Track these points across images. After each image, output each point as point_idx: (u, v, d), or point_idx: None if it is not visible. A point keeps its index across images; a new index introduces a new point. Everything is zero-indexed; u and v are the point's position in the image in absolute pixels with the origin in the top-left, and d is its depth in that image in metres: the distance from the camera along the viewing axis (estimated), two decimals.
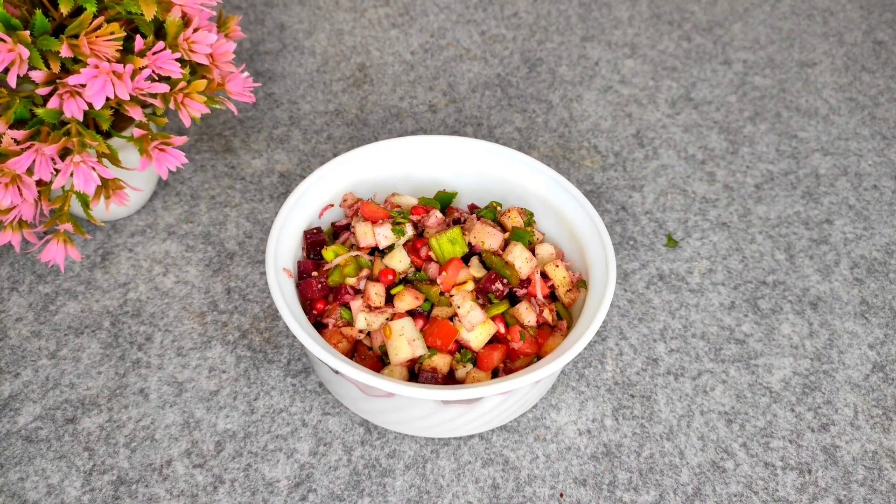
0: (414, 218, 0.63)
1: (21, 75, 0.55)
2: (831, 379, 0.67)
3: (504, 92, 0.90)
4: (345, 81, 0.90)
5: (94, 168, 0.58)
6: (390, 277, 0.58)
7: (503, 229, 0.63)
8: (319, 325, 0.60)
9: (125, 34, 0.57)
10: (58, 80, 0.56)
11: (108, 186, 0.61)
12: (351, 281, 0.59)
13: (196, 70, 0.64)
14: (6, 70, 0.54)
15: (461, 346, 0.58)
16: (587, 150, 0.84)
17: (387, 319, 0.58)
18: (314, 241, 0.63)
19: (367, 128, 0.85)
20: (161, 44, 0.57)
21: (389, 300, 0.59)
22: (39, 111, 0.56)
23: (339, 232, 0.65)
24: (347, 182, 0.67)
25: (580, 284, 0.62)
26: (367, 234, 0.60)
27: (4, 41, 0.53)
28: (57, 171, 0.57)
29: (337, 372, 0.56)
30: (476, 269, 0.60)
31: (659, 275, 0.73)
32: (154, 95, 0.60)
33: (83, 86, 0.55)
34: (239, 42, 0.93)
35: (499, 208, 0.67)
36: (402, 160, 0.68)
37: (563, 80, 0.92)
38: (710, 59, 0.96)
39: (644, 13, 1.02)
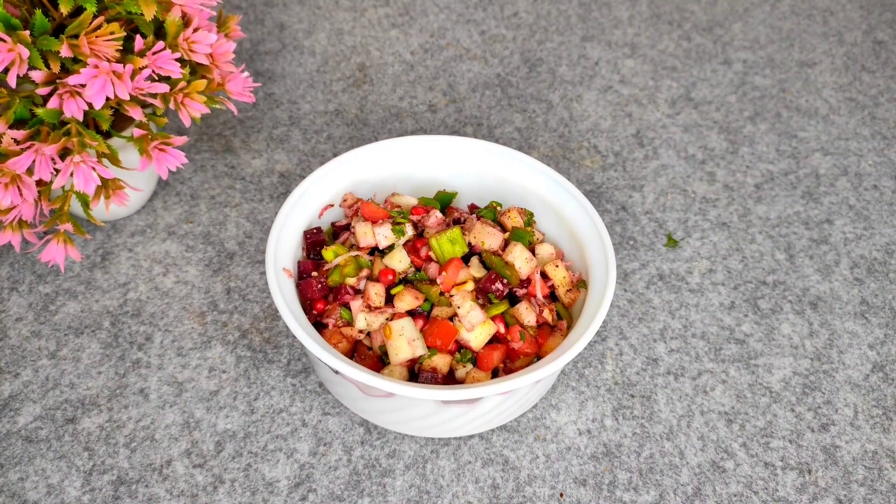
0: (414, 218, 0.63)
1: (21, 75, 0.55)
2: (831, 379, 0.67)
3: (504, 92, 0.90)
4: (345, 81, 0.90)
5: (94, 168, 0.58)
6: (390, 277, 0.58)
7: (503, 229, 0.63)
8: (319, 325, 0.60)
9: (125, 34, 0.57)
10: (58, 80, 0.56)
11: (108, 186, 0.61)
12: (351, 281, 0.59)
13: (196, 70, 0.64)
14: (6, 70, 0.54)
15: (461, 346, 0.58)
16: (587, 150, 0.84)
17: (387, 319, 0.58)
18: (314, 241, 0.63)
19: (367, 128, 0.85)
20: (161, 44, 0.57)
21: (389, 300, 0.59)
22: (39, 111, 0.56)
23: (339, 232, 0.65)
24: (347, 182, 0.67)
25: (580, 284, 0.62)
26: (367, 234, 0.60)
27: (4, 41, 0.53)
28: (57, 171, 0.57)
29: (337, 372, 0.56)
30: (476, 269, 0.60)
31: (659, 275, 0.73)
32: (154, 95, 0.60)
33: (83, 86, 0.55)
34: (239, 42, 0.92)
35: (499, 208, 0.67)
36: (402, 160, 0.68)
37: (563, 80, 0.92)
38: (710, 59, 0.96)
39: (644, 13, 1.02)
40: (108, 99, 0.56)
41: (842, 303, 0.72)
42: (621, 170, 0.82)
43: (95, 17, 0.57)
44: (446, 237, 0.59)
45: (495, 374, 0.58)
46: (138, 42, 0.57)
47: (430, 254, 0.60)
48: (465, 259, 0.61)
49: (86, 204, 0.61)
